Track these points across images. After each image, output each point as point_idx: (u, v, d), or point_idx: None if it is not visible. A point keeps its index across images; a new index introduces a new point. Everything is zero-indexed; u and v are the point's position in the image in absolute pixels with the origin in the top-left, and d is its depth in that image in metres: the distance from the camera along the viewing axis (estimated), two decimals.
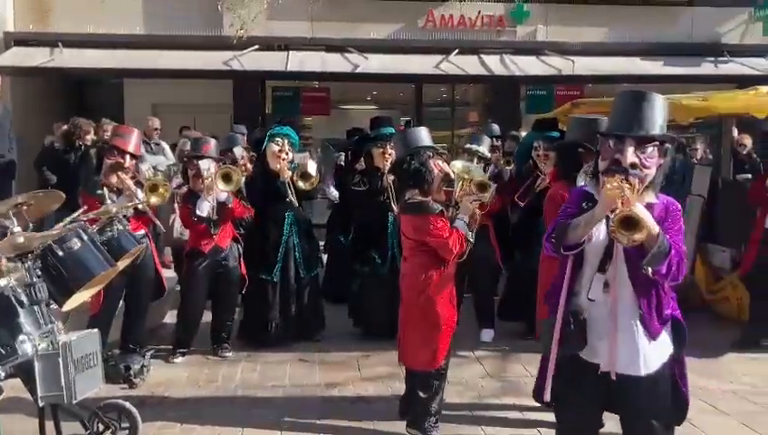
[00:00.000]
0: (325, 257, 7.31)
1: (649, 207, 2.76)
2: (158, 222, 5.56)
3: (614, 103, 2.98)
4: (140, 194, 5.21)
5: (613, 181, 2.65)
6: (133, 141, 5.35)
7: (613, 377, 2.79)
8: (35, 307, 3.38)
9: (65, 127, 8.49)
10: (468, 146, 6.06)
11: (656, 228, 2.64)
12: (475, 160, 5.84)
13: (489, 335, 6.24)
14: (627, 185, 2.64)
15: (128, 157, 5.27)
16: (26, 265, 3.41)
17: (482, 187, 4.35)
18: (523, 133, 9.60)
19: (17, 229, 3.45)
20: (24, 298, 3.34)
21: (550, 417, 4.35)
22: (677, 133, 11.84)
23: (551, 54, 12.54)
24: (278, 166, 5.85)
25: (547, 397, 3.02)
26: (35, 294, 3.37)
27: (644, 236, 2.56)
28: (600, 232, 2.82)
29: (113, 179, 5.22)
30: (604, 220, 2.77)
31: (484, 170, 5.85)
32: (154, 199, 5.20)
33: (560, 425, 3.11)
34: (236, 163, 6.57)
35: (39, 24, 12.03)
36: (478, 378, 5.30)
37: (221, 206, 5.59)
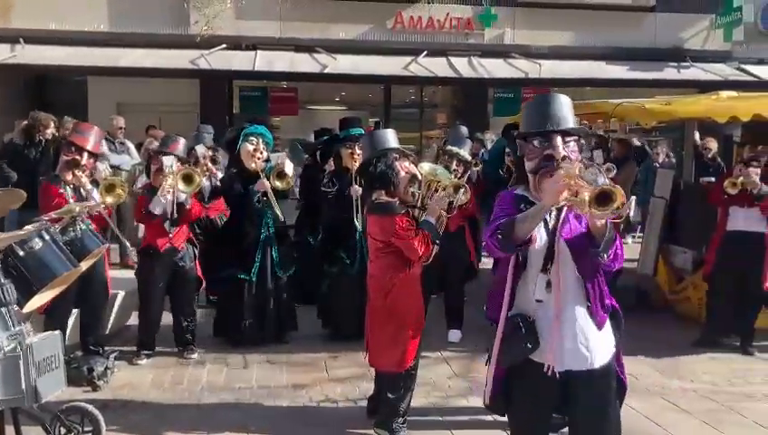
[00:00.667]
0: None
1: None
2: (112, 224, 5.46)
3: (526, 108, 3.08)
4: (95, 194, 5.10)
5: (574, 169, 2.68)
6: (92, 139, 5.23)
7: (556, 375, 2.82)
8: (3, 309, 3.30)
9: (25, 122, 8.31)
10: (449, 148, 6.07)
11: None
12: (455, 163, 5.86)
13: (456, 336, 6.27)
14: (577, 170, 2.70)
15: (85, 154, 5.15)
16: None
17: (456, 189, 4.38)
18: (487, 135, 9.73)
19: None
20: None
21: None
22: (641, 137, 12.12)
23: (518, 57, 12.66)
24: (253, 165, 5.83)
25: (487, 400, 3.09)
26: (4, 295, 3.29)
27: (621, 201, 2.55)
28: (541, 232, 2.86)
29: (68, 177, 5.10)
30: (542, 223, 2.82)
31: (465, 173, 5.89)
32: (110, 200, 5.08)
33: (513, 429, 3.13)
34: (198, 162, 6.52)
35: None
36: (445, 378, 5.32)
37: (179, 206, 5.53)
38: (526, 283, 2.92)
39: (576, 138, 2.92)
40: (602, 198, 2.56)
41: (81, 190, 5.11)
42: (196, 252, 5.86)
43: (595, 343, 2.88)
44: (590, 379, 2.87)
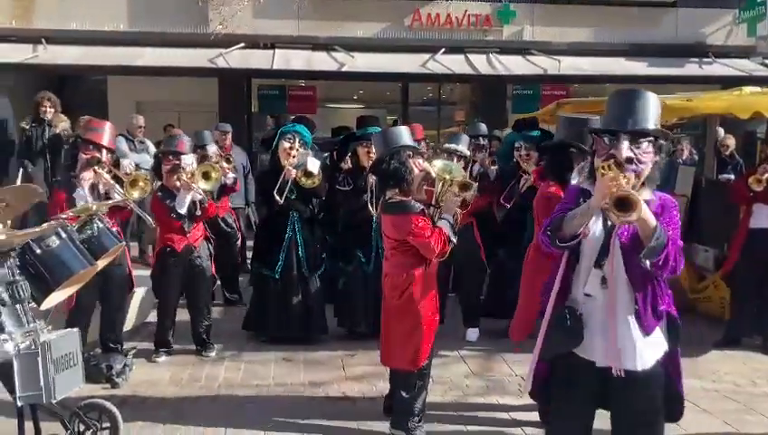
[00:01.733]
0: None
1: (646, 203, 2.75)
2: (147, 217, 5.51)
3: (607, 102, 3.00)
4: (118, 188, 5.13)
5: (609, 169, 2.66)
6: (107, 135, 5.25)
7: (617, 372, 2.78)
8: (18, 306, 3.32)
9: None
10: (447, 145, 6.07)
11: (651, 217, 2.65)
12: (455, 159, 5.84)
13: (474, 335, 6.24)
14: (621, 174, 2.67)
15: (104, 151, 5.18)
16: (8, 263, 3.35)
17: (464, 186, 4.33)
18: (505, 132, 9.64)
19: None
20: (5, 297, 3.28)
21: (534, 416, 4.37)
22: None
23: (537, 54, 12.58)
24: (286, 163, 5.88)
25: (529, 387, 3.05)
26: (18, 292, 3.31)
27: (636, 217, 2.55)
28: (596, 227, 2.83)
29: (90, 175, 5.12)
30: (600, 215, 2.79)
31: (465, 168, 5.86)
32: (136, 194, 5.12)
33: (554, 424, 3.08)
34: (206, 158, 6.58)
35: (22, 20, 11.90)
36: (463, 377, 5.30)
37: (199, 204, 5.55)
38: (578, 276, 2.90)
39: (652, 139, 2.82)
40: (621, 204, 2.56)
41: (101, 186, 5.12)
42: (212, 249, 5.89)
43: (639, 346, 2.82)
44: (634, 379, 2.81)
